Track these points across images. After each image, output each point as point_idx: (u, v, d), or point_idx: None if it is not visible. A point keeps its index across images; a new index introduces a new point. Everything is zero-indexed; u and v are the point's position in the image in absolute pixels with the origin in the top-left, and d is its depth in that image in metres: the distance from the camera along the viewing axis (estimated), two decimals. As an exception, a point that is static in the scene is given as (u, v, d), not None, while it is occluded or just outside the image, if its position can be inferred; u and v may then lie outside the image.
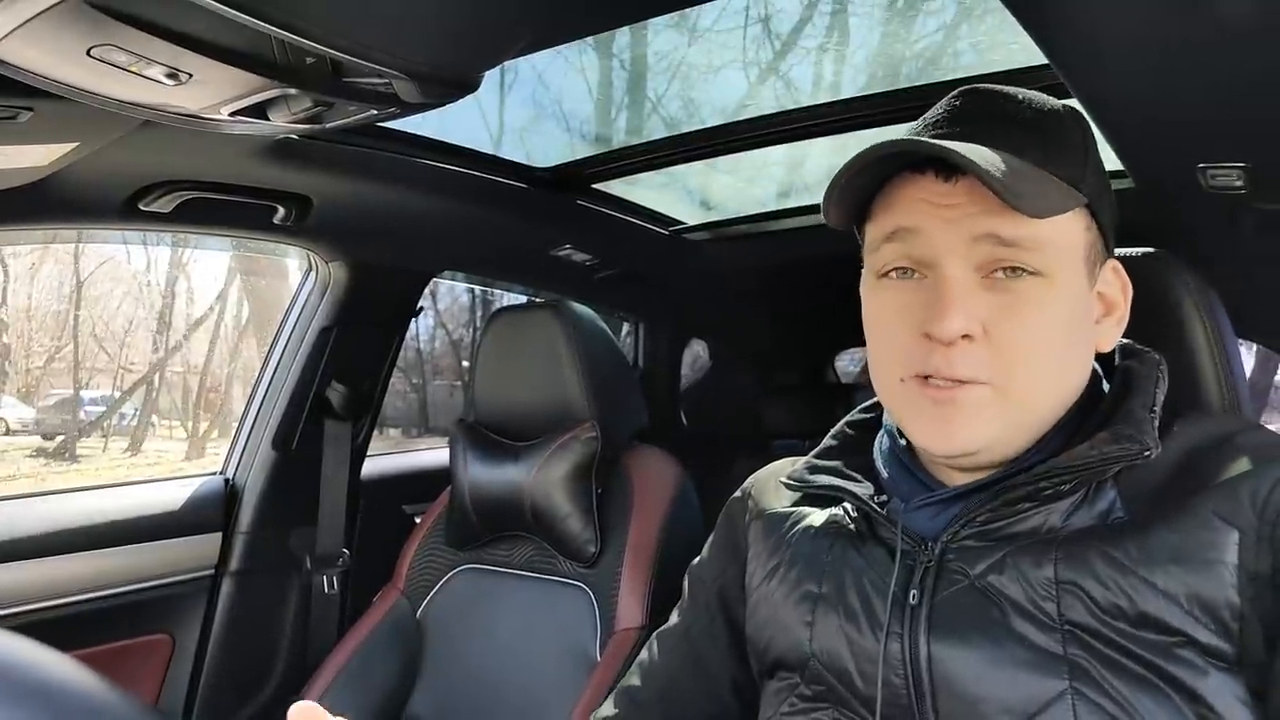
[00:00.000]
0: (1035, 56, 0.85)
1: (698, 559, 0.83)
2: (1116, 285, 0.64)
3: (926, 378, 0.59)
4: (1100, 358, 0.66)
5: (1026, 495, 0.59)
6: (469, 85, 0.80)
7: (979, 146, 0.56)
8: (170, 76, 0.69)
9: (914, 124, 0.66)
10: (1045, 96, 0.63)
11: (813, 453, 0.75)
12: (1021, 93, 0.63)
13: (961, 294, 0.57)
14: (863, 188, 0.61)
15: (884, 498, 0.67)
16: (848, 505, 0.69)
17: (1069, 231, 0.59)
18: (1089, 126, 0.63)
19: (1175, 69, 0.71)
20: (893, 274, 0.62)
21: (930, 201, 0.59)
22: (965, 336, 0.57)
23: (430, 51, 0.73)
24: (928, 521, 0.64)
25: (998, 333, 0.57)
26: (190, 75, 0.69)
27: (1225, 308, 0.74)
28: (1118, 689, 0.53)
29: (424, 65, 0.73)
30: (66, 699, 0.33)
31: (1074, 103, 0.64)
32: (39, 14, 0.58)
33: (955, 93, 0.64)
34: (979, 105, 0.62)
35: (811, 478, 0.71)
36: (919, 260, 0.60)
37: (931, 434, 0.60)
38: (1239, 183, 0.92)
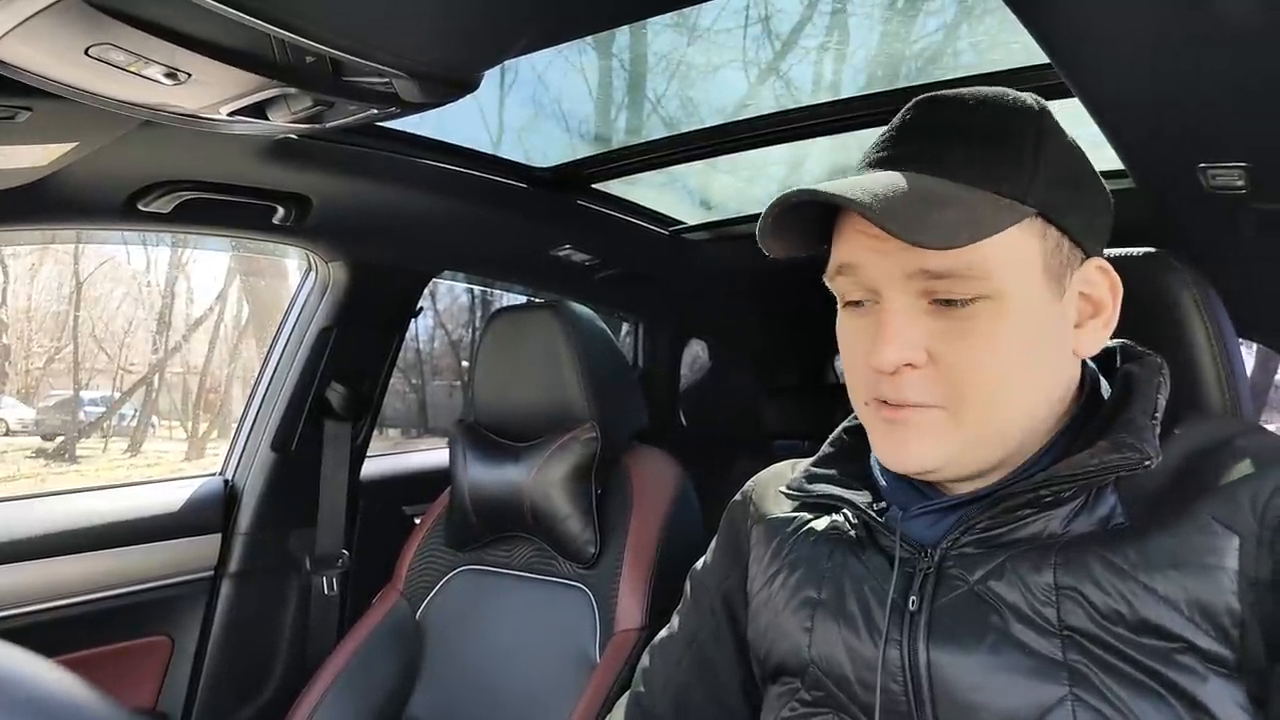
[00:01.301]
0: (1036, 56, 0.85)
1: (700, 563, 0.82)
2: (1104, 285, 0.61)
3: (884, 401, 0.60)
4: (1102, 359, 0.65)
5: (1027, 503, 0.58)
6: (469, 84, 0.80)
7: (895, 174, 0.56)
8: (169, 76, 0.69)
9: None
10: (1005, 99, 0.59)
11: (810, 460, 0.75)
12: (977, 98, 0.59)
13: (901, 324, 0.57)
14: (808, 221, 0.61)
15: (883, 505, 0.66)
16: (847, 512, 0.68)
17: (1014, 246, 0.56)
18: (1047, 128, 0.59)
19: (1175, 69, 0.71)
20: (850, 303, 0.62)
21: (865, 234, 0.58)
22: (908, 365, 0.57)
23: (430, 50, 0.73)
24: (927, 529, 0.63)
25: (944, 359, 0.57)
26: (189, 75, 0.69)
27: (1225, 307, 0.74)
28: (1118, 695, 0.52)
29: (424, 64, 0.73)
30: (62, 712, 0.32)
31: (1032, 99, 0.60)
32: (37, 13, 0.58)
33: (912, 103, 0.62)
34: (928, 119, 0.60)
35: (811, 487, 0.71)
36: (868, 289, 0.60)
37: (888, 454, 0.61)
38: (1239, 183, 0.92)
